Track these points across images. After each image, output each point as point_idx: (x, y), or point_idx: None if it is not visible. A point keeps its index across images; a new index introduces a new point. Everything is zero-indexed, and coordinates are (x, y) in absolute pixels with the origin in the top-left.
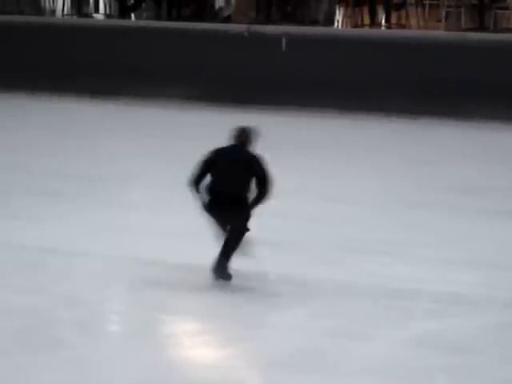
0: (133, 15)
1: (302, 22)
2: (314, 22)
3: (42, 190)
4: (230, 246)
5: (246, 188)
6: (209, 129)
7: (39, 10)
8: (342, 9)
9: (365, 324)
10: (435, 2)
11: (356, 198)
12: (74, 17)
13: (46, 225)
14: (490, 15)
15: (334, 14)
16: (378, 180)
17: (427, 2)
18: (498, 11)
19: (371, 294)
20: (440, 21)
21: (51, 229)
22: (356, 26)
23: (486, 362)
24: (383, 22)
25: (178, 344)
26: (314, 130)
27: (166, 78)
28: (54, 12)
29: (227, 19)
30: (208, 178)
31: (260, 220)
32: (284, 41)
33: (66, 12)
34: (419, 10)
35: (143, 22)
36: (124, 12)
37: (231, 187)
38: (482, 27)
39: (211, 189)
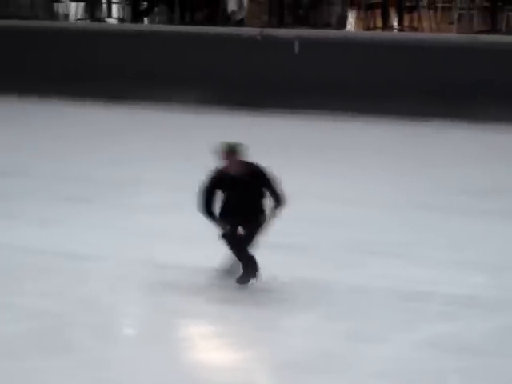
0: (146, 19)
1: (314, 26)
2: (327, 25)
3: (56, 195)
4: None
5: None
6: (222, 132)
7: (53, 15)
8: (354, 12)
9: (377, 326)
10: (447, 5)
11: (368, 200)
12: (88, 21)
13: (61, 229)
14: (503, 17)
15: (347, 17)
16: (389, 182)
17: (439, 5)
18: (510, 13)
19: (384, 296)
20: (452, 23)
21: (66, 233)
22: (368, 28)
23: (499, 363)
24: (395, 24)
25: (191, 347)
26: (326, 133)
27: (179, 82)
28: (67, 16)
29: (240, 23)
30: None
31: (276, 223)
32: (296, 44)
33: (79, 16)
34: (431, 12)
35: (156, 26)
36: (137, 16)
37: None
38: (494, 29)
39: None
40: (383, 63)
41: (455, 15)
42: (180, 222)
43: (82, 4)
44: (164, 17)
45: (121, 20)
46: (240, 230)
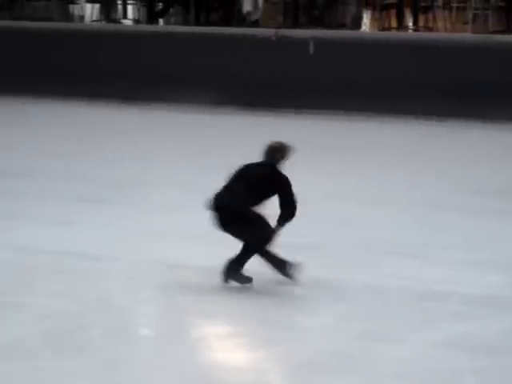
0: (161, 20)
1: (329, 26)
2: (342, 26)
3: (68, 196)
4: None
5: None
6: (237, 132)
7: (68, 17)
8: (369, 12)
9: (393, 326)
10: (462, 5)
11: (383, 200)
12: (103, 22)
13: (73, 229)
14: None
15: (361, 17)
16: (404, 182)
17: (454, 5)
18: None
19: (398, 296)
20: (467, 23)
21: (78, 233)
22: (383, 29)
23: None
24: (410, 24)
25: (207, 347)
26: (341, 133)
27: (194, 83)
28: (82, 18)
29: (255, 24)
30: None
31: (293, 223)
32: (311, 44)
33: (94, 18)
34: (446, 12)
35: (171, 27)
36: (152, 17)
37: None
38: (509, 29)
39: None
40: (398, 63)
41: (470, 15)
42: (192, 221)
43: (97, 5)
44: (179, 18)
45: (136, 21)
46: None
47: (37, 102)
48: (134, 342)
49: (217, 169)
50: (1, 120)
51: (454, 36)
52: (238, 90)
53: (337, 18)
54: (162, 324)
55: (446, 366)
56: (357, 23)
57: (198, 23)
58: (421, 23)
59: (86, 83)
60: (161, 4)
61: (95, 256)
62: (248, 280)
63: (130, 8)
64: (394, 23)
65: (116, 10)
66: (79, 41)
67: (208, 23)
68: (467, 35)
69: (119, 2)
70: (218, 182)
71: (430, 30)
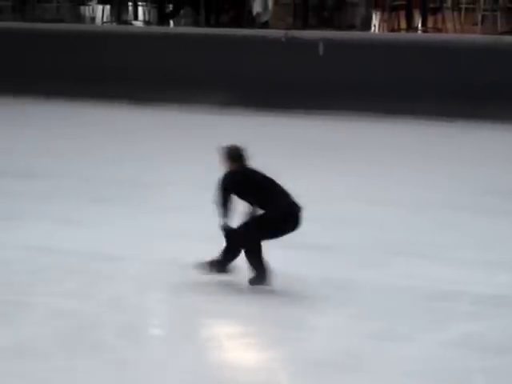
0: (171, 22)
1: (338, 27)
2: (351, 27)
3: (81, 196)
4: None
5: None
6: (248, 134)
7: (79, 18)
8: (378, 13)
9: (404, 326)
10: (471, 6)
11: (393, 200)
12: (114, 24)
13: (86, 229)
14: None
15: (371, 18)
16: (415, 182)
17: (463, 6)
18: None
19: (409, 296)
20: (476, 24)
21: (91, 233)
22: (393, 30)
23: None
24: (420, 25)
25: (218, 347)
26: (351, 134)
27: (205, 84)
28: (93, 19)
29: (265, 25)
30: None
31: (303, 224)
32: (321, 45)
33: (105, 19)
34: (455, 13)
35: (182, 29)
36: (163, 19)
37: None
38: None
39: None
40: (407, 64)
41: (479, 16)
42: (204, 221)
43: (108, 7)
44: (189, 19)
45: (147, 22)
46: None
47: (48, 103)
48: (146, 342)
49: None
50: (15, 120)
51: (463, 37)
52: (248, 90)
53: (346, 19)
54: (174, 324)
55: (456, 366)
56: (366, 24)
57: (208, 25)
58: (430, 24)
59: (97, 84)
60: (171, 6)
61: (107, 256)
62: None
63: (140, 9)
64: (403, 24)
65: (127, 12)
66: (90, 42)
67: (218, 25)
68: (476, 36)
69: (130, 4)
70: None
71: (439, 31)
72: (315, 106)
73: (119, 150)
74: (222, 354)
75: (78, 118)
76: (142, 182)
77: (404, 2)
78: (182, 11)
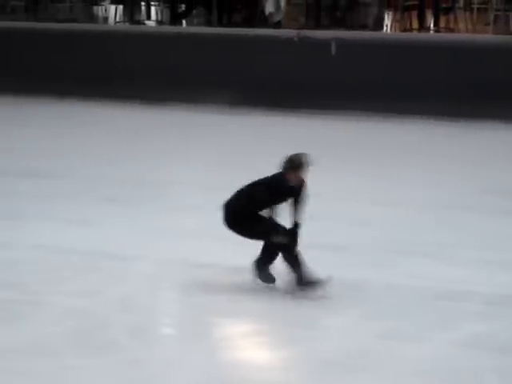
0: (184, 22)
1: (351, 27)
2: (363, 27)
3: (94, 196)
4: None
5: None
6: (261, 133)
7: (92, 18)
8: (390, 13)
9: (414, 326)
10: (483, 6)
11: (400, 200)
12: (127, 24)
13: (98, 229)
14: None
15: (383, 18)
16: (421, 182)
17: (475, 6)
18: None
19: (420, 295)
20: (488, 24)
21: (104, 233)
22: (405, 30)
23: None
24: (432, 25)
25: (231, 346)
26: (363, 134)
27: (217, 83)
28: (106, 19)
29: (277, 25)
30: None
31: (310, 224)
32: (333, 45)
33: (118, 19)
34: (467, 13)
35: (194, 29)
36: (175, 19)
37: None
38: None
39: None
40: (419, 64)
41: (491, 16)
42: (216, 221)
43: (120, 7)
44: (202, 19)
45: (159, 22)
46: None
47: (61, 103)
48: (158, 341)
49: (239, 169)
50: (28, 119)
51: (476, 37)
52: (260, 90)
53: (359, 19)
54: (186, 323)
55: (466, 366)
56: (378, 24)
57: (220, 24)
58: (442, 24)
59: (109, 84)
60: (183, 5)
61: (119, 255)
62: (271, 280)
63: (153, 9)
64: (415, 24)
65: (139, 12)
66: (103, 42)
67: (230, 24)
68: (488, 36)
69: (143, 4)
70: (240, 181)
71: (451, 31)
72: (327, 106)
73: (131, 149)
74: (235, 353)
75: (89, 117)
76: (151, 181)
77: (416, 2)
78: (194, 11)
